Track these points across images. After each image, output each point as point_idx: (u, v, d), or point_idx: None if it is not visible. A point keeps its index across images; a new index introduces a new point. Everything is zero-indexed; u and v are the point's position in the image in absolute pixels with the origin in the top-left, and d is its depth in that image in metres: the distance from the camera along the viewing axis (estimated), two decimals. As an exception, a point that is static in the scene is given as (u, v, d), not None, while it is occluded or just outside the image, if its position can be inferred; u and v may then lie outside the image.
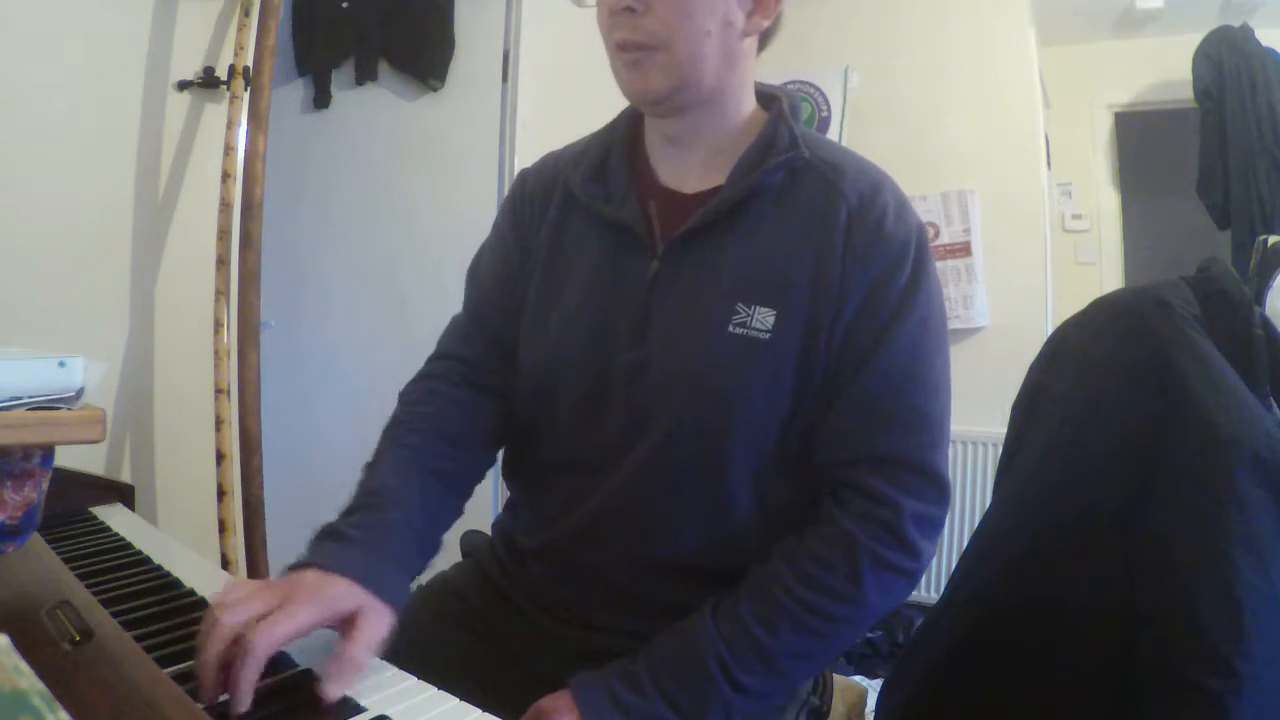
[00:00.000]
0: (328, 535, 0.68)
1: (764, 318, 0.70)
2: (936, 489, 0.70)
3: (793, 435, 0.72)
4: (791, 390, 0.71)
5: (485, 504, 1.82)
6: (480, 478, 0.84)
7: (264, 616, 0.55)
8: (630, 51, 0.71)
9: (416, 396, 0.84)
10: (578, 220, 0.81)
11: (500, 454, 0.88)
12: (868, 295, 0.70)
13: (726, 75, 0.74)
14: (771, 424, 0.72)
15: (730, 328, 0.71)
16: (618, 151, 0.81)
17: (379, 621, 0.61)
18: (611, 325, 0.76)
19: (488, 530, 0.94)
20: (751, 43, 0.76)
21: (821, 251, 0.71)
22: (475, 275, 0.90)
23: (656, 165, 0.80)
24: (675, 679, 0.65)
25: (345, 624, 0.60)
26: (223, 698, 0.52)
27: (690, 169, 0.78)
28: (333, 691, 0.55)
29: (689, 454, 0.72)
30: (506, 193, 0.90)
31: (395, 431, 0.80)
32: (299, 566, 0.64)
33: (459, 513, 0.80)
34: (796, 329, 0.70)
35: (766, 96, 0.81)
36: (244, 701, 0.51)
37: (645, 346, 0.74)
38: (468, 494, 0.82)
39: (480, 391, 0.84)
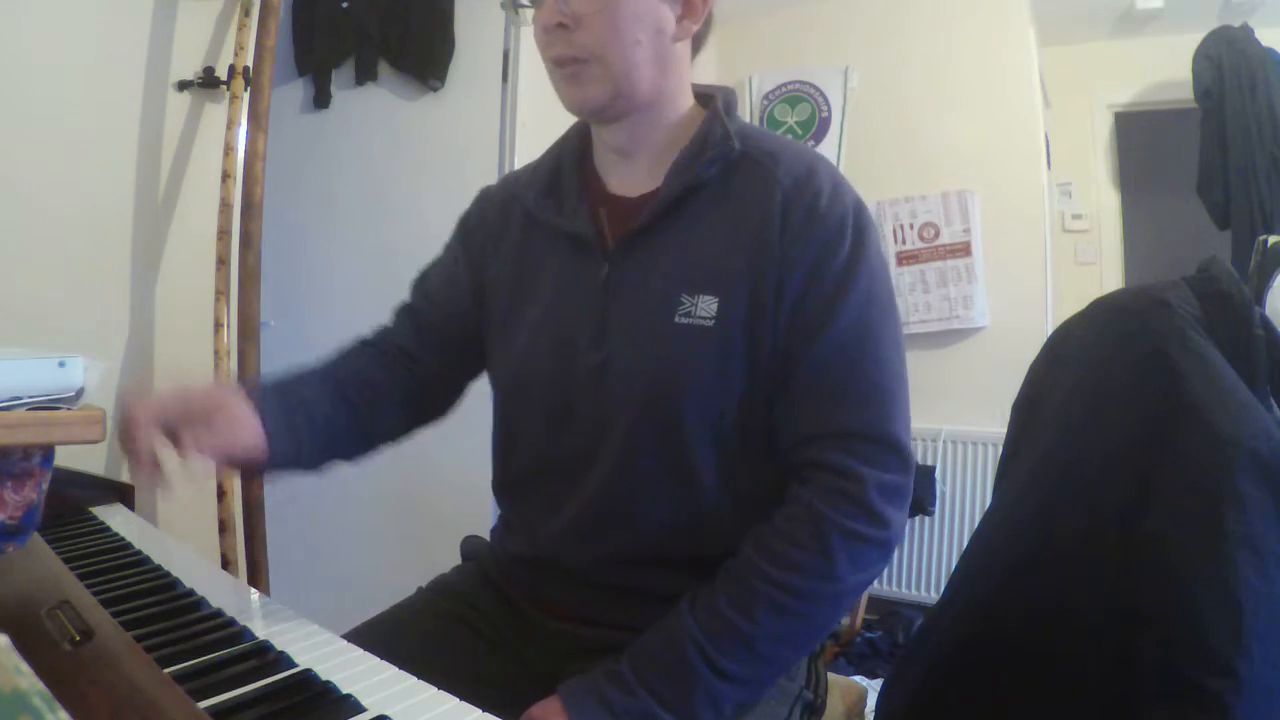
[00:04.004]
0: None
1: (708, 305, 0.72)
2: (898, 457, 0.71)
3: (752, 418, 0.73)
4: (742, 373, 0.72)
5: (486, 512, 1.82)
6: (385, 438, 0.88)
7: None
8: (566, 66, 0.74)
9: (353, 350, 0.90)
10: (538, 237, 0.83)
11: (490, 468, 0.89)
12: (809, 274, 0.72)
13: (662, 81, 0.77)
14: (728, 408, 0.73)
15: (676, 318, 0.73)
16: (568, 165, 0.84)
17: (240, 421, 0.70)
18: (573, 331, 0.78)
19: (488, 537, 0.94)
20: (685, 47, 0.79)
21: (759, 235, 0.72)
22: (422, 279, 0.93)
23: (605, 174, 0.83)
24: (659, 673, 0.65)
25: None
26: (219, 698, 0.52)
27: (636, 175, 0.80)
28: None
29: (653, 446, 0.74)
30: (466, 209, 0.93)
31: (325, 367, 0.86)
32: None
33: (349, 456, 0.85)
34: (740, 313, 0.72)
35: (705, 96, 0.82)
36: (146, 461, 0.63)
37: (606, 347, 0.76)
38: (367, 443, 0.86)
39: (402, 367, 0.88)
